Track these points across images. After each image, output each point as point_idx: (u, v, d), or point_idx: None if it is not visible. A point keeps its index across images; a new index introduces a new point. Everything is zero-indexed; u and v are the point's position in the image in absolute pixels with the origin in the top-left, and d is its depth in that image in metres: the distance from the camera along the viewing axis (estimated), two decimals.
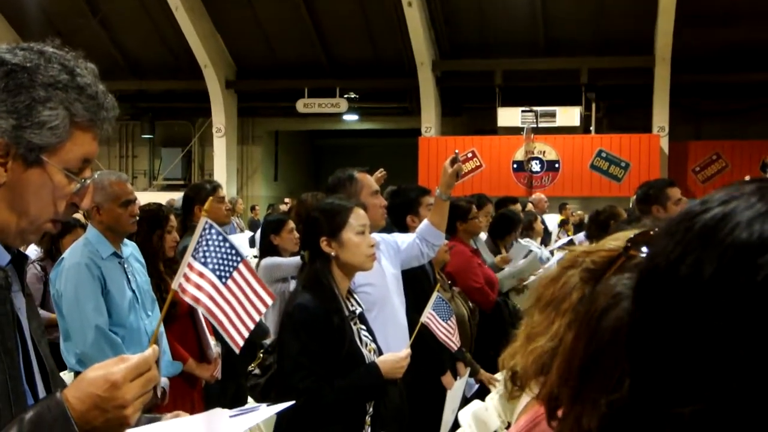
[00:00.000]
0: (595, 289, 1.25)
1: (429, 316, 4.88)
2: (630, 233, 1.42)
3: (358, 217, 4.04)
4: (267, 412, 2.10)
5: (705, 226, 0.82)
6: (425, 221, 5.35)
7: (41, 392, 1.89)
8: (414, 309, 5.14)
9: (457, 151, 5.36)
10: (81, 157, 1.85)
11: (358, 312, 4.08)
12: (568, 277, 1.93)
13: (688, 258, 0.81)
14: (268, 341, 4.58)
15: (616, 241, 1.75)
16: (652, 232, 1.22)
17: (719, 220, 0.82)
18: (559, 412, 1.25)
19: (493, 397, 5.68)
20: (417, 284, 5.64)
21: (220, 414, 1.98)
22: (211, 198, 3.27)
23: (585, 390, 1.10)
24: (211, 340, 5.70)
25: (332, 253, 3.96)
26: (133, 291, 5.02)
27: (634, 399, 0.87)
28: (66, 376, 4.72)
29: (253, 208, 23.45)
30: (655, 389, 0.82)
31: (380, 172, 7.02)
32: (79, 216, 9.05)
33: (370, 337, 4.08)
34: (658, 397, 0.83)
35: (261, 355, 4.41)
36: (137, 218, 5.16)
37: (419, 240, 5.29)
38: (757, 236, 0.79)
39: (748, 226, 0.80)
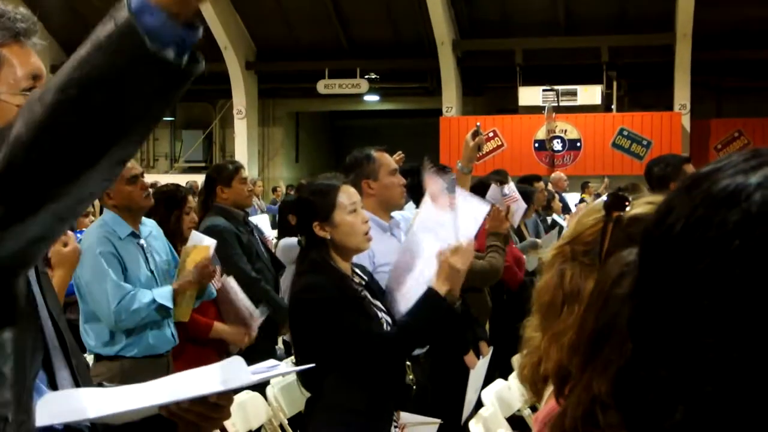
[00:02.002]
0: (607, 262, 1.24)
1: None
2: (600, 204, 1.43)
3: (347, 195, 3.89)
4: (286, 369, 2.08)
5: (691, 180, 0.82)
6: None
7: (58, 366, 1.86)
8: None
9: (478, 123, 5.34)
10: (27, 75, 1.85)
11: (365, 283, 4.03)
12: (572, 269, 1.92)
13: (671, 213, 0.81)
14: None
15: (587, 216, 1.75)
16: (621, 192, 1.23)
17: (704, 176, 0.81)
18: (567, 390, 1.25)
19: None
20: None
21: (237, 361, 1.94)
22: None
23: (596, 357, 1.10)
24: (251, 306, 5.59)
25: (327, 237, 3.85)
26: (152, 271, 5.01)
27: (636, 363, 0.87)
28: (86, 358, 4.73)
29: (274, 190, 23.44)
30: (652, 352, 0.82)
31: (398, 155, 6.96)
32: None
33: (379, 304, 4.02)
34: (657, 360, 0.82)
35: None
36: (150, 191, 5.12)
37: None
38: (729, 189, 0.78)
39: (728, 178, 0.79)
